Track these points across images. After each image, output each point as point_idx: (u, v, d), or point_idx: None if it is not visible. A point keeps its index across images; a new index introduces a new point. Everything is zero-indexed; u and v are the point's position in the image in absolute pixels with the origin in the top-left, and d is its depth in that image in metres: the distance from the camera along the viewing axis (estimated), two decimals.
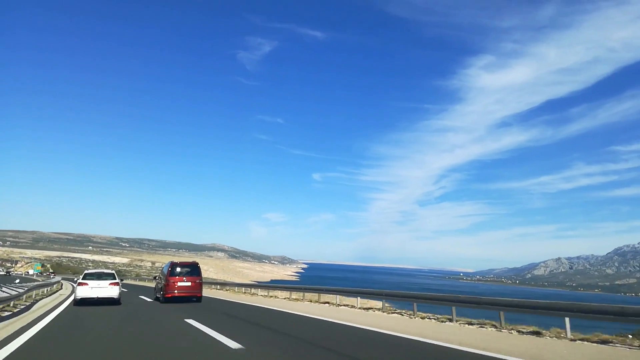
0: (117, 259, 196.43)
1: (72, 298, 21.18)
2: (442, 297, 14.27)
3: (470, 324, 12.33)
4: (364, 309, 17.49)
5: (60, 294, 28.75)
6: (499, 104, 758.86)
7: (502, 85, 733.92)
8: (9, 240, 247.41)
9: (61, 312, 15.14)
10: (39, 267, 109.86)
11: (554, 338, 9.65)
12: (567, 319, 9.54)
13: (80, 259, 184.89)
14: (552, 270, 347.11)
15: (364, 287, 26.27)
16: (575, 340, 9.35)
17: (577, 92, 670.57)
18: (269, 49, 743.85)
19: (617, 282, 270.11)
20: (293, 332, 10.21)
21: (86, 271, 19.85)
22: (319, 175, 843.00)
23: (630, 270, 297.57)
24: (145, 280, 70.29)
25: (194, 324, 11.26)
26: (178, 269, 20.95)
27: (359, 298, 17.88)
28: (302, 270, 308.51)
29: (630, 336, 9.38)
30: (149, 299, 23.04)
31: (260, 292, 30.14)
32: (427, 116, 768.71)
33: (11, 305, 16.17)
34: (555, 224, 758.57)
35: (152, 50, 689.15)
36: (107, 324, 11.78)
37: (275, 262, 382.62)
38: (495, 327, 11.35)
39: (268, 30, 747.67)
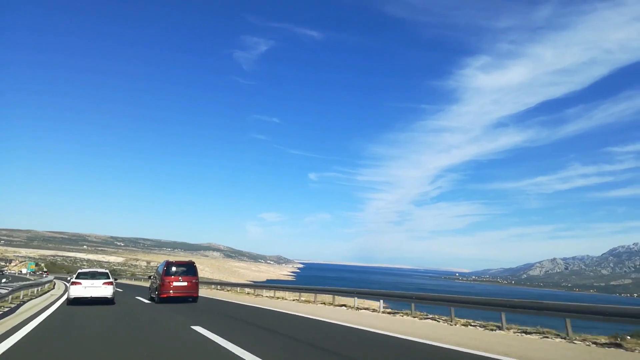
0: (112, 258, 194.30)
1: (64, 298, 20.69)
2: (441, 298, 14.34)
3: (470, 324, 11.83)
4: (388, 312, 15.94)
5: (52, 294, 27.13)
6: (495, 105, 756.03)
7: (498, 86, 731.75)
8: (3, 239, 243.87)
9: (49, 315, 13.59)
10: (33, 266, 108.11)
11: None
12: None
13: (75, 258, 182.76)
14: (548, 271, 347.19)
15: (362, 287, 25.53)
16: None
17: (573, 93, 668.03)
18: (265, 48, 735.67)
19: (612, 283, 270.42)
20: (324, 344, 8.59)
21: (79, 270, 19.49)
22: (316, 175, 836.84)
23: (625, 271, 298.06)
24: (141, 280, 68.79)
25: (204, 334, 9.62)
26: (174, 269, 20.35)
27: (382, 301, 16.24)
28: (298, 270, 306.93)
29: (628, 337, 9.15)
30: (146, 300, 21.64)
31: (265, 292, 28.50)
32: (424, 116, 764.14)
33: None
34: (551, 224, 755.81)
35: (150, 50, 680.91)
36: (101, 336, 10.13)
37: (271, 262, 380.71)
38: (499, 328, 11.43)
39: (265, 30, 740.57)
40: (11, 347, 7.63)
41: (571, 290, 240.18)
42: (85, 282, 17.81)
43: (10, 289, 18.42)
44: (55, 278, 59.04)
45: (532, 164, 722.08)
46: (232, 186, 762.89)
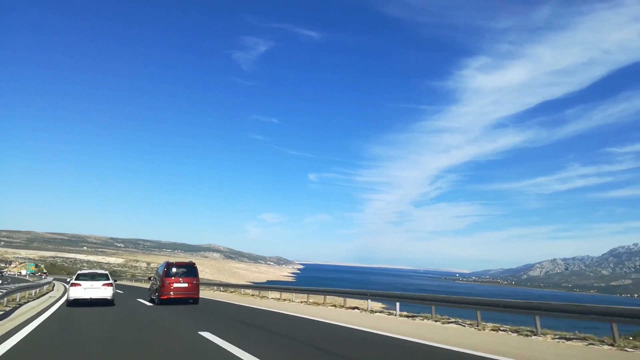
0: (112, 260, 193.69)
1: (62, 300, 20.51)
2: (466, 300, 13.78)
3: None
4: (405, 316, 15.12)
5: (50, 297, 26.27)
6: (494, 105, 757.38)
7: (497, 87, 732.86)
8: (3, 240, 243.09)
9: (45, 319, 12.77)
10: (33, 268, 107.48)
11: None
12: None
13: (75, 259, 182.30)
14: (548, 271, 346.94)
15: (362, 287, 24.83)
16: None
17: (572, 94, 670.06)
18: (265, 48, 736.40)
19: (612, 283, 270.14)
20: (352, 355, 7.73)
21: (79, 272, 19.52)
22: (315, 176, 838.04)
23: (625, 272, 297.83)
24: (141, 281, 68.13)
25: (217, 342, 8.73)
26: (174, 270, 20.00)
27: (397, 304, 15.42)
28: (298, 271, 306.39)
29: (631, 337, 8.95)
30: (147, 302, 20.90)
31: (271, 294, 27.64)
32: (423, 117, 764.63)
33: None
34: (551, 225, 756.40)
35: (150, 50, 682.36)
36: (99, 342, 9.28)
37: (271, 263, 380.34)
38: (534, 333, 10.96)
39: (264, 30, 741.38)
40: (0, 356, 6.82)
41: (571, 290, 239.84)
42: (84, 284, 17.72)
43: (4, 291, 17.57)
44: (54, 279, 58.19)
45: (532, 165, 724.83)
46: (232, 187, 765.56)
